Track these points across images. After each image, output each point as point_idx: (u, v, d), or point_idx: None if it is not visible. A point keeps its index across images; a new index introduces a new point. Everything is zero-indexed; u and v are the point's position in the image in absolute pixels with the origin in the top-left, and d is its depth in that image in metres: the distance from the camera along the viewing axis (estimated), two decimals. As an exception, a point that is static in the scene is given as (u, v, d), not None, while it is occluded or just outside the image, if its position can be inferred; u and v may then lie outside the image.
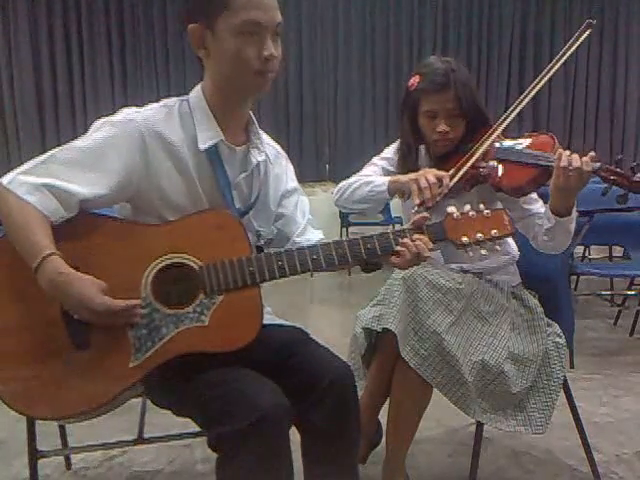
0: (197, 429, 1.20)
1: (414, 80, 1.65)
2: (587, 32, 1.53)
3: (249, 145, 1.30)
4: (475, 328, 1.57)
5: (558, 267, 1.76)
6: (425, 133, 1.66)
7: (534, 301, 1.69)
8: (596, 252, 4.54)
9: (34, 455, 1.50)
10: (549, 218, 1.49)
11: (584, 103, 6.51)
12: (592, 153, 1.42)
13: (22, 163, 1.16)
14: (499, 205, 1.23)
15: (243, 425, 1.03)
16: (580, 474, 1.86)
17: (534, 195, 1.63)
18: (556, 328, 1.67)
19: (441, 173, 1.50)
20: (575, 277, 3.93)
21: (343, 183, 1.72)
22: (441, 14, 6.26)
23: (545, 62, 6.40)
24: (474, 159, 1.55)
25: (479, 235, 1.22)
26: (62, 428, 1.85)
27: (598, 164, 1.40)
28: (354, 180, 1.69)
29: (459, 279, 1.60)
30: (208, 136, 1.22)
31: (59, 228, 1.13)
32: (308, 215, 1.44)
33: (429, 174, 1.49)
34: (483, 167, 1.56)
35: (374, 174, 1.72)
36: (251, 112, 1.31)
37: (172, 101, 1.26)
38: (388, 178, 1.62)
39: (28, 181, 1.12)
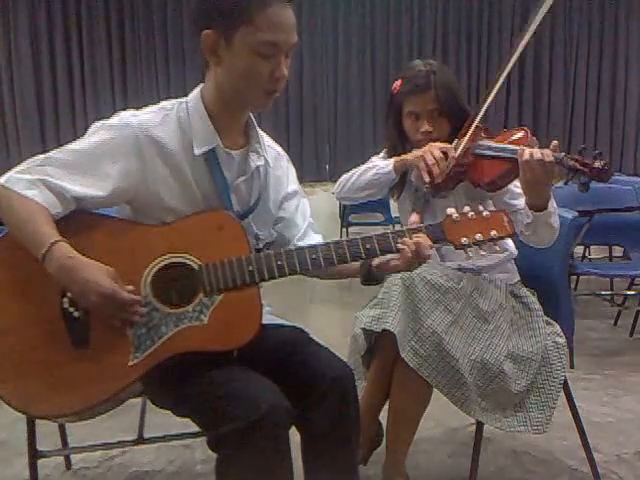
0: (197, 429, 1.20)
1: (397, 84, 1.69)
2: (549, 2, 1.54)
3: (248, 148, 1.29)
4: (474, 327, 1.57)
5: (558, 266, 1.76)
6: (409, 134, 1.69)
7: (532, 299, 1.69)
8: (596, 252, 4.53)
9: (34, 455, 1.50)
10: (527, 214, 1.50)
11: (584, 103, 6.50)
12: (555, 142, 1.44)
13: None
14: (489, 202, 1.23)
15: (243, 425, 1.03)
16: (580, 474, 1.86)
17: (519, 190, 1.64)
18: (556, 328, 1.67)
19: (446, 146, 1.53)
20: (575, 277, 3.92)
21: (345, 175, 1.74)
22: (441, 14, 6.26)
23: (545, 63, 6.40)
24: (470, 132, 1.55)
25: (478, 236, 1.21)
26: (62, 428, 1.85)
27: (561, 154, 1.42)
28: (357, 169, 1.71)
29: (458, 278, 1.60)
30: (203, 141, 1.22)
31: (60, 227, 1.14)
32: (309, 218, 1.43)
33: (434, 148, 1.52)
34: (462, 164, 1.58)
35: None
36: (251, 114, 1.31)
37: (171, 104, 1.26)
38: (393, 159, 1.63)
39: (24, 178, 1.14)
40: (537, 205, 1.47)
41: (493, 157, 1.54)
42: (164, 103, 1.26)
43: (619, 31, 6.42)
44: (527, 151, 1.42)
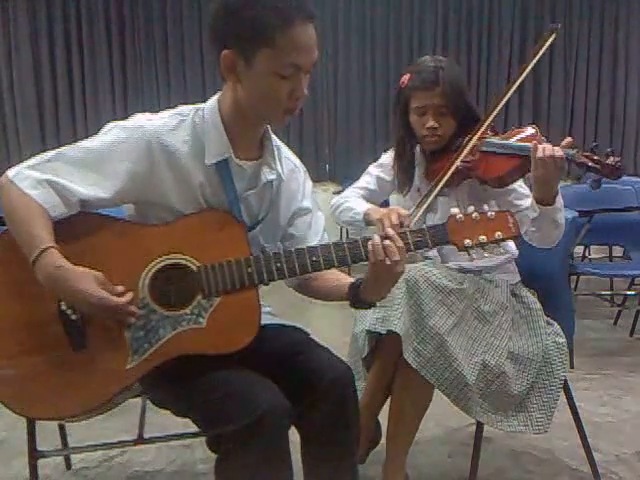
0: (197, 429, 1.20)
1: (405, 78, 1.70)
2: (552, 37, 1.55)
3: (261, 161, 1.27)
4: (476, 328, 1.57)
5: (558, 266, 1.76)
6: (415, 129, 1.69)
7: (533, 299, 1.70)
8: (596, 252, 4.53)
9: (34, 455, 1.50)
10: (534, 208, 1.50)
11: (584, 103, 6.49)
12: (569, 139, 1.45)
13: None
14: (493, 202, 1.22)
15: (243, 425, 1.03)
16: (580, 474, 1.86)
17: (525, 191, 1.64)
18: (557, 327, 1.67)
19: (404, 213, 1.47)
20: (575, 277, 3.91)
21: (335, 200, 1.79)
22: (441, 14, 6.25)
23: (545, 64, 6.39)
24: (450, 172, 1.57)
25: (482, 237, 1.18)
26: (62, 428, 1.85)
27: (573, 151, 1.43)
28: (342, 201, 1.75)
29: (461, 279, 1.60)
30: (216, 152, 1.20)
31: (58, 227, 1.13)
32: (324, 234, 1.39)
33: (393, 214, 1.46)
34: (468, 161, 1.59)
35: (367, 185, 1.79)
36: (269, 126, 1.28)
37: (187, 110, 1.24)
38: (365, 208, 1.63)
39: (32, 175, 1.13)
40: (545, 200, 1.48)
41: (502, 154, 1.55)
42: (181, 108, 1.24)
43: (619, 31, 6.42)
44: (540, 147, 1.42)
